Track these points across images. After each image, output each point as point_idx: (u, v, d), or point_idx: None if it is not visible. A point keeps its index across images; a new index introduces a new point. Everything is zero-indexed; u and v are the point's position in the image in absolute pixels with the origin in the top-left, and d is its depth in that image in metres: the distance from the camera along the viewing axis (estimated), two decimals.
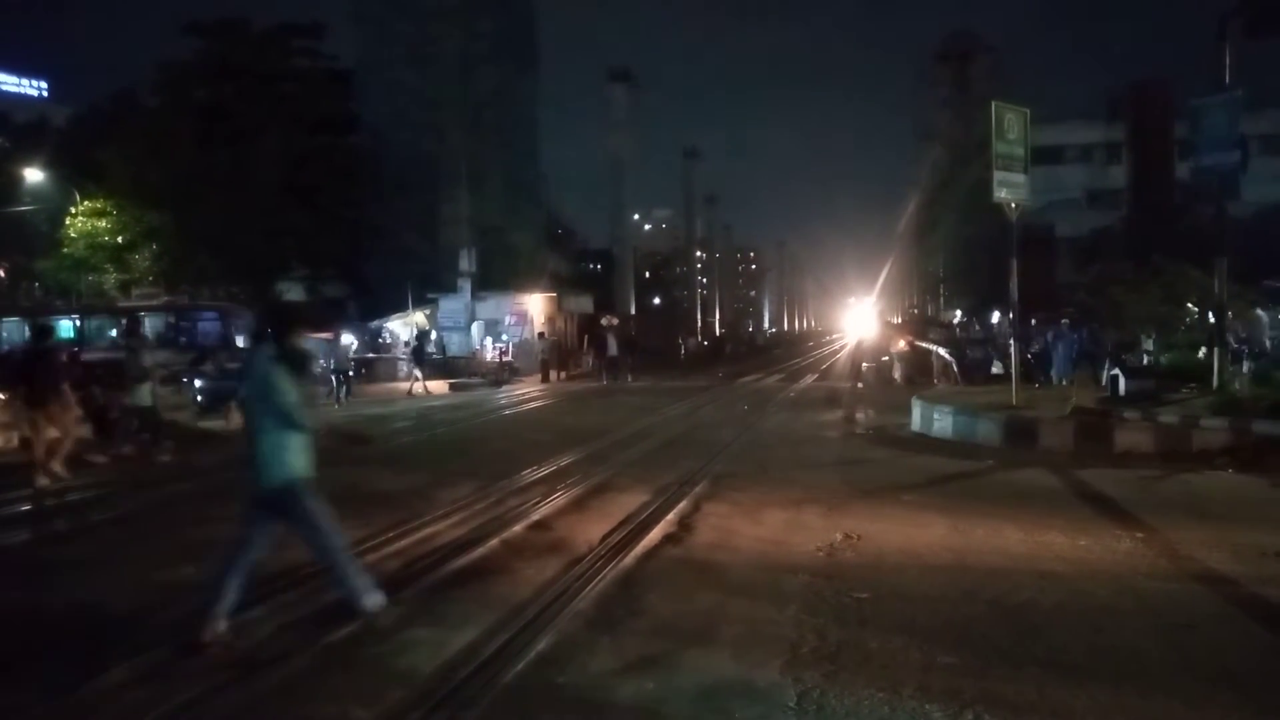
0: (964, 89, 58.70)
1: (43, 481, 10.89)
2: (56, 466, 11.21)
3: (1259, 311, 19.73)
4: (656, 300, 74.80)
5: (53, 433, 11.28)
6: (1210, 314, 15.60)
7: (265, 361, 5.25)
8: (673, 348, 50.05)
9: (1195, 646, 5.04)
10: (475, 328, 38.85)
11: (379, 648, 5.15)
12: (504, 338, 37.03)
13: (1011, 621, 5.43)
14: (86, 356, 19.85)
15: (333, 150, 43.20)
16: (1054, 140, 45.55)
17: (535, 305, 39.50)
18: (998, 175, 14.20)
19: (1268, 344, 19.17)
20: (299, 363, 5.28)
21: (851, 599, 5.86)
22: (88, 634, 5.54)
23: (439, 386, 29.53)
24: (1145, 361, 17.91)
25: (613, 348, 32.24)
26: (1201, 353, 15.11)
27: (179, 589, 6.39)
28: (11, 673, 4.90)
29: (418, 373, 27.30)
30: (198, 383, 19.95)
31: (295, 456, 5.21)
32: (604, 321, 41.42)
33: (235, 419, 12.82)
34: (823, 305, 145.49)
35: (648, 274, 77.22)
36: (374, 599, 5.43)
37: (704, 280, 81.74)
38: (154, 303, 29.46)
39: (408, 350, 31.85)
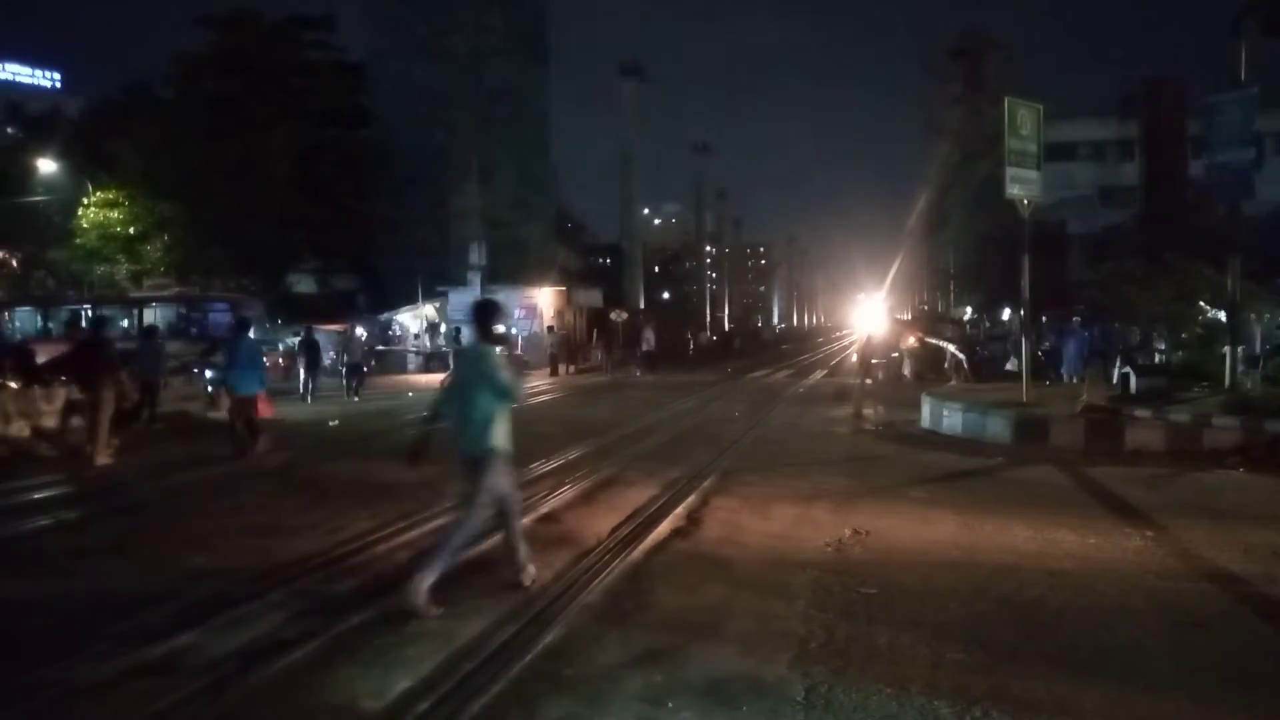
0: (976, 85, 58.36)
1: (103, 461, 11.59)
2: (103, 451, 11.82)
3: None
4: (666, 295, 74.82)
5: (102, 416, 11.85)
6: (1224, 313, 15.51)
7: (479, 350, 6.01)
8: (681, 343, 50.05)
9: (1205, 646, 5.02)
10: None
11: (387, 638, 5.17)
12: (513, 331, 37.08)
13: (1020, 619, 5.42)
14: None
15: (343, 143, 43.29)
16: (1066, 137, 45.28)
17: (545, 299, 39.53)
18: (1010, 171, 14.13)
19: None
20: (500, 345, 6.19)
21: (860, 595, 5.85)
22: (99, 621, 5.57)
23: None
24: (1157, 360, 17.83)
25: (649, 341, 32.39)
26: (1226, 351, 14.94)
27: (190, 578, 6.42)
28: (22, 657, 4.92)
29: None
30: (208, 374, 20.03)
31: (499, 430, 5.87)
32: (613, 316, 41.43)
33: (225, 403, 12.93)
34: (832, 301, 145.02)
35: (657, 269, 77.22)
36: (423, 585, 5.56)
37: (713, 275, 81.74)
38: (165, 293, 29.60)
39: (445, 341, 32.08)
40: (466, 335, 37.42)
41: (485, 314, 6.17)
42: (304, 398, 21.67)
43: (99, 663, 4.80)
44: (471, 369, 6.02)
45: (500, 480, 5.88)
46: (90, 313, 18.32)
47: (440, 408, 6.20)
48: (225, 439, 12.65)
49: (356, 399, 21.58)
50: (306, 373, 22.24)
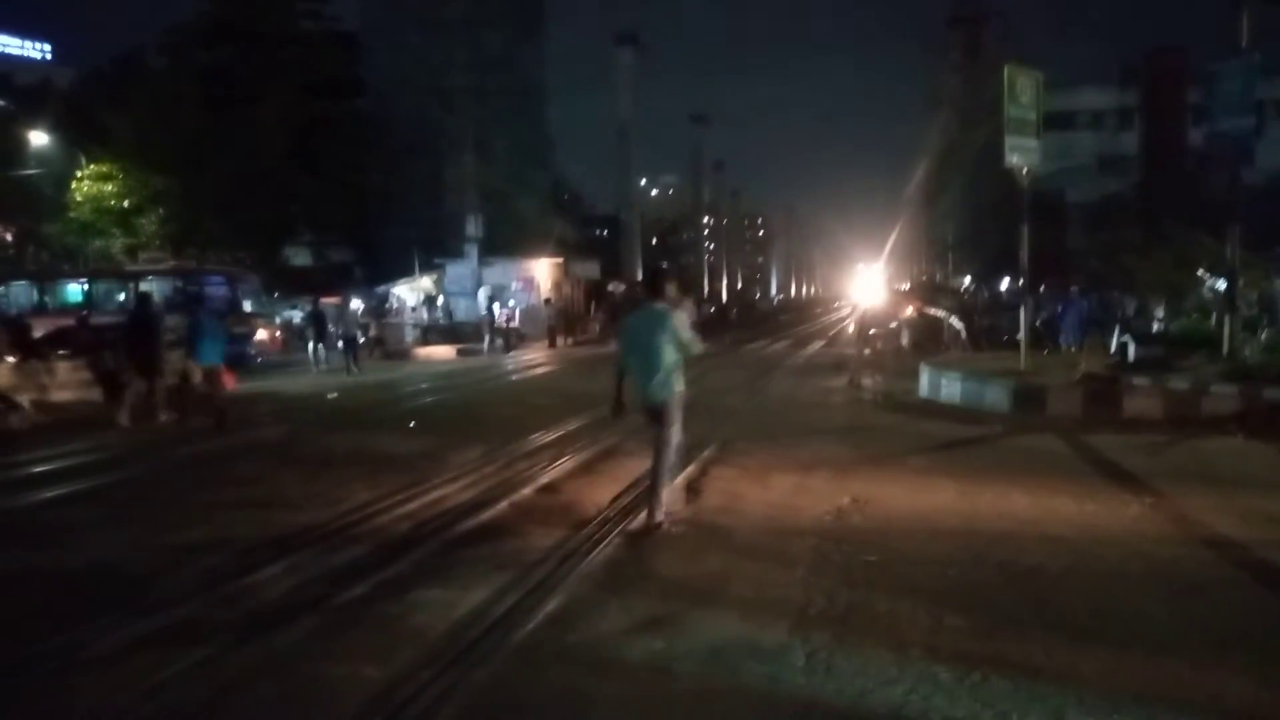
0: (975, 54, 57.96)
1: (164, 417, 13.09)
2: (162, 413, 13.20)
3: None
4: (664, 266, 74.61)
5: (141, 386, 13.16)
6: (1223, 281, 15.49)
7: (656, 310, 6.79)
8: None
9: (1203, 610, 5.05)
10: (481, 293, 38.84)
11: (390, 608, 5.19)
12: (510, 303, 37.02)
13: (1019, 585, 5.45)
14: (95, 321, 19.89)
15: (337, 114, 42.96)
16: (1066, 105, 45.02)
17: (542, 271, 39.43)
18: (1010, 140, 14.03)
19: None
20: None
21: (859, 562, 5.88)
22: (102, 593, 5.60)
23: (446, 352, 29.59)
24: (1155, 328, 17.83)
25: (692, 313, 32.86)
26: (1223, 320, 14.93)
27: (190, 550, 6.44)
28: (25, 629, 4.95)
29: (489, 336, 29.34)
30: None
31: (677, 381, 6.73)
32: (611, 287, 41.36)
33: (197, 374, 13.26)
34: (830, 271, 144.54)
35: (655, 240, 76.90)
36: (660, 515, 6.65)
37: (711, 246, 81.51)
38: (161, 267, 29.45)
39: (485, 313, 32.43)
40: (461, 307, 37.61)
41: (656, 279, 7.33)
42: (316, 368, 22.04)
43: (101, 635, 4.81)
44: (652, 328, 6.73)
45: (677, 422, 6.80)
46: (136, 290, 19.11)
47: (624, 363, 6.97)
48: (216, 411, 12.70)
49: (356, 371, 21.44)
50: (316, 344, 22.64)
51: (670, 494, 6.91)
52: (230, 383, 13.67)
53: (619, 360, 7.09)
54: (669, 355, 6.67)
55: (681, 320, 6.81)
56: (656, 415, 6.73)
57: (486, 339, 29.73)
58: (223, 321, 15.71)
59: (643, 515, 6.73)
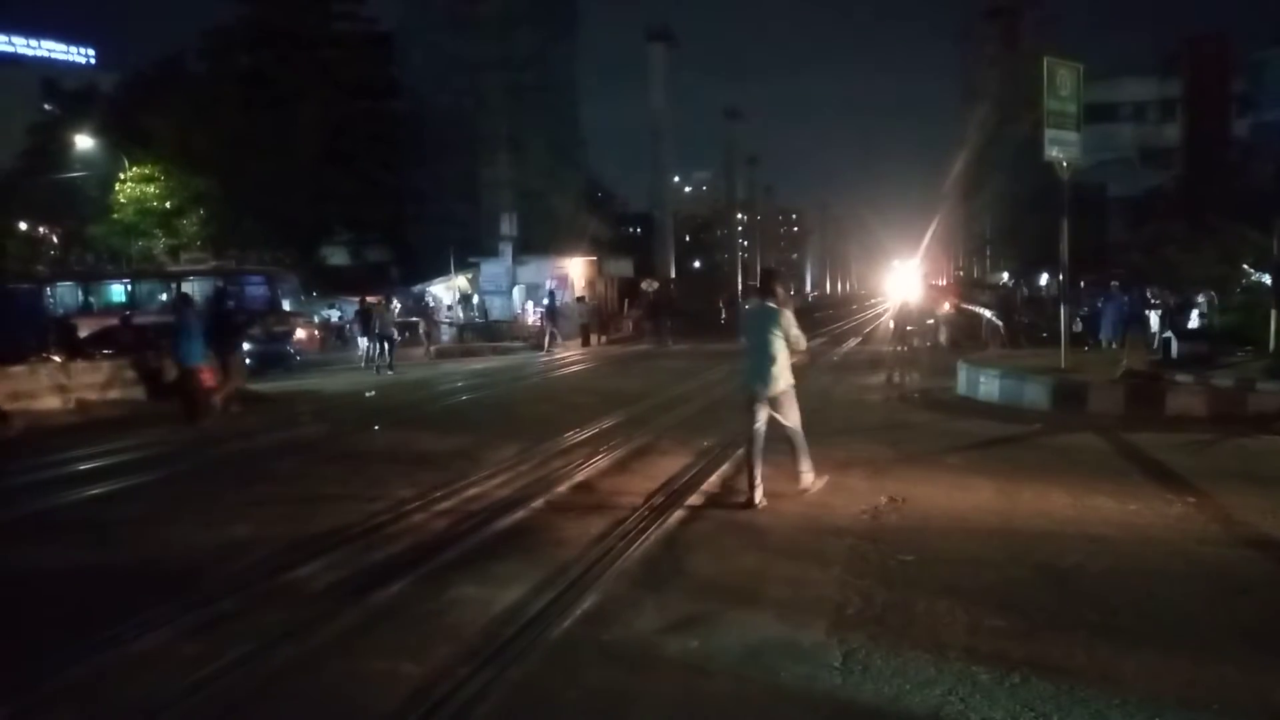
0: (1012, 45, 57.17)
1: (234, 409, 14.08)
2: (232, 405, 14.17)
3: None
4: (697, 264, 74.42)
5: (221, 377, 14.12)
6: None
7: (768, 308, 7.54)
8: (713, 311, 49.86)
9: (1248, 611, 4.96)
10: (516, 292, 39.00)
11: (428, 605, 5.24)
12: (545, 302, 37.15)
13: (1059, 585, 5.38)
14: (138, 320, 20.28)
15: (373, 115, 43.39)
16: (1106, 98, 44.33)
17: (575, 269, 39.51)
18: (1049, 133, 13.83)
19: None
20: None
21: (896, 561, 5.84)
22: (144, 589, 5.70)
23: (481, 350, 29.80)
24: (1199, 324, 17.49)
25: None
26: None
27: (231, 547, 6.55)
28: (76, 624, 5.06)
29: (554, 330, 29.00)
30: (246, 346, 20.29)
31: (787, 372, 7.50)
32: (644, 285, 41.36)
33: (171, 371, 13.90)
34: (865, 267, 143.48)
35: (688, 237, 76.73)
36: (808, 479, 7.73)
37: (745, 243, 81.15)
38: (202, 267, 29.93)
39: (540, 308, 32.52)
40: (496, 306, 37.81)
41: (768, 280, 8.04)
42: (368, 366, 22.16)
43: (146, 630, 4.91)
44: (764, 324, 7.48)
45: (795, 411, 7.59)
46: (218, 289, 20.14)
47: (744, 365, 7.77)
48: (266, 411, 12.88)
49: (390, 372, 21.44)
50: (369, 341, 22.81)
51: (808, 467, 7.80)
52: (210, 380, 14.04)
53: (742, 384, 7.92)
54: (779, 349, 7.40)
55: (789, 318, 7.51)
56: (774, 401, 7.47)
57: (547, 337, 29.24)
58: (241, 319, 16.43)
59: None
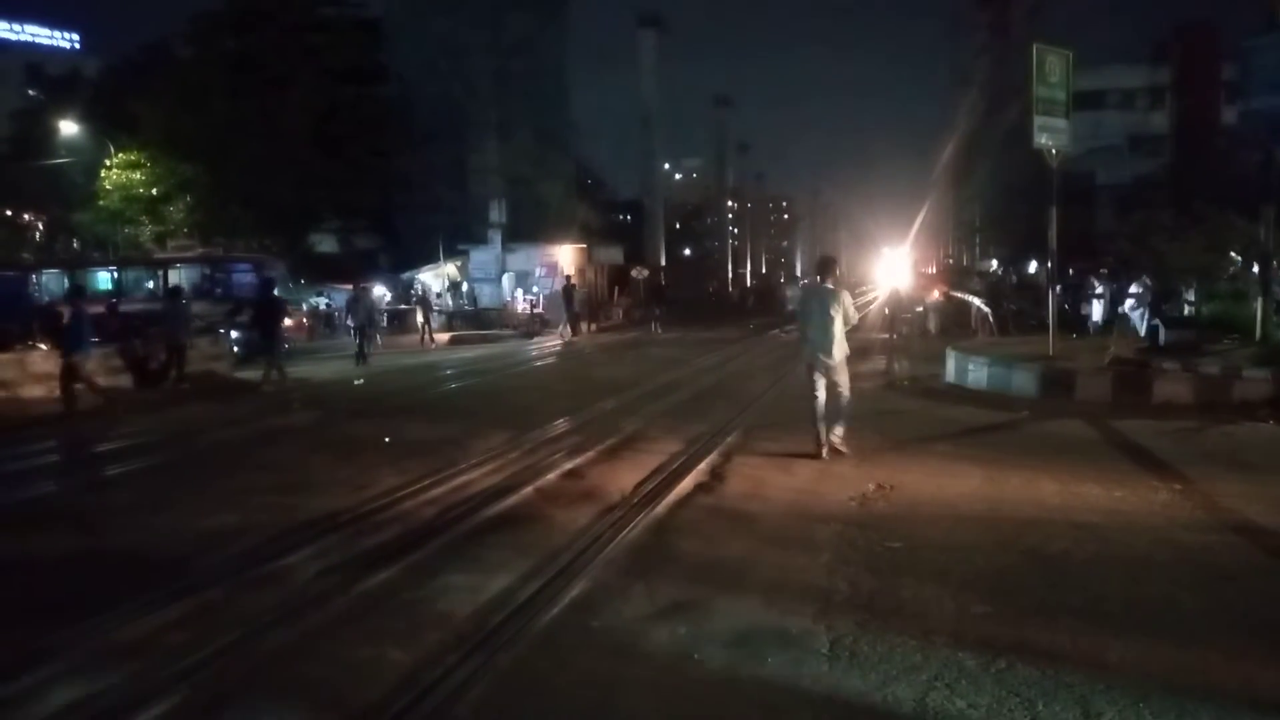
0: (1003, 32, 57.11)
1: (267, 388, 15.48)
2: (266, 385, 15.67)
3: None
4: (687, 251, 74.42)
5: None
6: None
7: (828, 289, 8.80)
8: (703, 299, 49.86)
9: (1234, 598, 4.99)
10: (506, 279, 38.91)
11: (416, 592, 5.24)
12: (534, 289, 37.07)
13: (1046, 572, 5.41)
14: (125, 308, 20.16)
15: (361, 100, 43.03)
16: (1095, 85, 44.23)
17: (565, 256, 39.42)
18: (1038, 120, 13.83)
19: None
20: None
21: (884, 548, 5.86)
22: (133, 577, 5.68)
23: (470, 338, 29.74)
24: (1186, 312, 17.56)
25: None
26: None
27: (221, 534, 6.53)
28: (61, 613, 5.03)
29: (566, 322, 28.19)
30: (234, 334, 20.21)
31: (844, 344, 8.71)
32: (634, 273, 41.31)
33: (90, 366, 13.88)
34: (855, 255, 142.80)
35: (678, 224, 76.67)
36: (840, 436, 8.74)
37: (735, 230, 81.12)
38: (189, 254, 29.74)
39: (560, 297, 31.99)
40: (485, 293, 37.69)
41: (826, 265, 9.26)
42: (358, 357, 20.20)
43: (135, 617, 4.89)
44: (825, 303, 8.68)
45: (841, 385, 8.71)
46: (265, 280, 20.03)
47: (804, 331, 8.88)
48: (250, 398, 12.83)
49: (363, 363, 19.81)
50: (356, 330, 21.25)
51: (846, 434, 8.81)
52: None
53: (800, 327, 9.18)
54: (838, 324, 8.57)
55: (847, 297, 8.75)
56: (831, 370, 8.60)
57: (562, 325, 28.51)
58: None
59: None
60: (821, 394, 8.60)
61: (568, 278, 32.16)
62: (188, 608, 5.07)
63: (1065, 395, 12.21)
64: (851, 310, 8.73)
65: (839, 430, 8.71)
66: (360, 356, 20.10)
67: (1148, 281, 19.76)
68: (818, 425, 8.56)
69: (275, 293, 17.81)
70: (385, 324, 28.09)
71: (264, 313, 16.52)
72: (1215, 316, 15.62)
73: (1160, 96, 46.50)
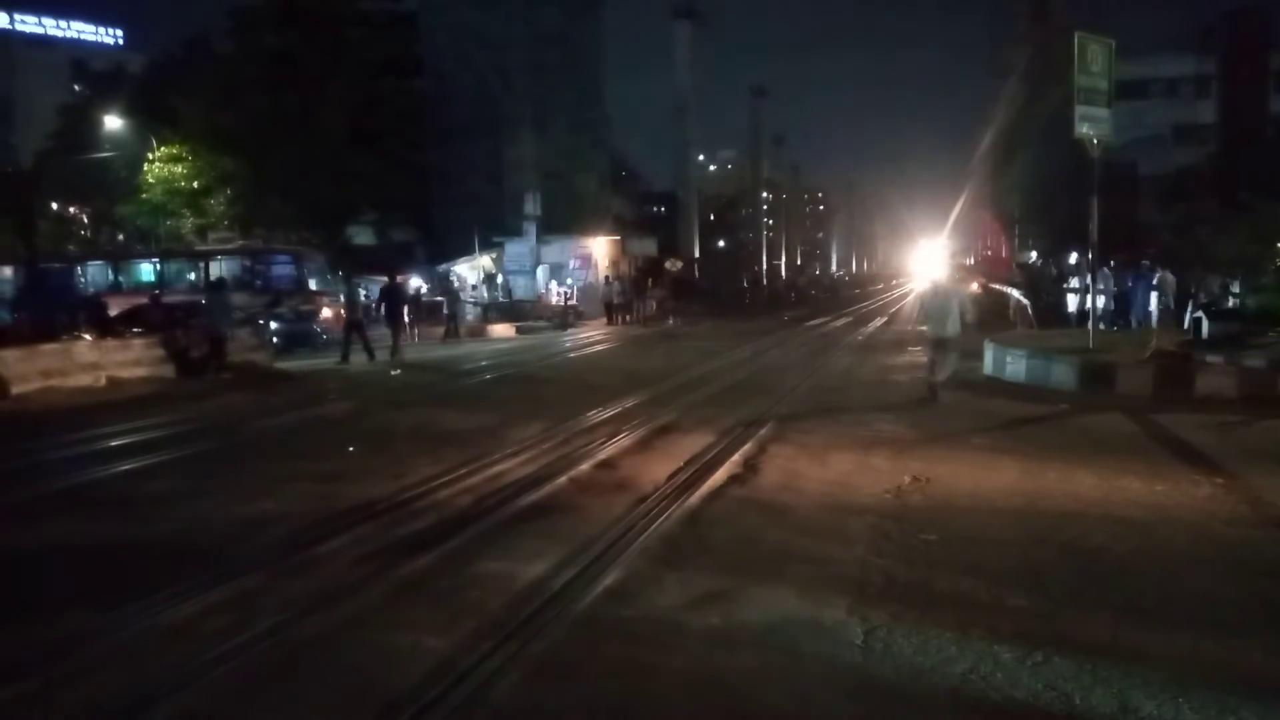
0: (1043, 20, 56.20)
1: (395, 372, 17.19)
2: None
3: None
4: (721, 243, 74.15)
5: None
6: None
7: (959, 289, 12.51)
8: (738, 291, 49.69)
9: (1276, 594, 4.90)
10: (540, 271, 39.04)
11: (452, 580, 5.29)
12: (569, 281, 37.17)
13: (1084, 566, 5.34)
14: (167, 299, 20.50)
15: (398, 94, 43.39)
16: (1138, 74, 43.44)
17: (599, 249, 39.49)
18: (1080, 110, 13.62)
19: None
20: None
21: (919, 541, 5.82)
22: (173, 563, 5.79)
23: (505, 330, 29.91)
24: (1231, 304, 17.21)
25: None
26: None
27: (259, 522, 6.64)
28: (97, 599, 5.15)
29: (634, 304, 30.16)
30: (273, 325, 20.48)
31: (958, 324, 12.01)
32: (668, 265, 41.28)
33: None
34: (891, 246, 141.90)
35: (712, 216, 76.45)
36: (940, 381, 11.83)
37: (770, 222, 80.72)
38: (230, 247, 30.18)
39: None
40: (520, 285, 37.88)
41: (964, 271, 10.87)
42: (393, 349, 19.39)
43: (176, 603, 4.99)
44: (953, 297, 12.24)
45: (953, 351, 12.07)
46: (391, 274, 23.22)
47: (928, 320, 12.30)
48: (292, 388, 12.97)
49: (348, 363, 18.46)
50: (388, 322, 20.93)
51: (942, 385, 11.85)
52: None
53: (926, 318, 12.50)
54: (956, 313, 11.96)
55: (969, 298, 11.10)
56: (945, 345, 11.90)
57: (631, 313, 29.94)
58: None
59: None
60: (937, 356, 11.91)
61: (608, 277, 32.73)
62: (228, 593, 5.16)
63: (1105, 388, 12.03)
64: (969, 306, 12.24)
65: (941, 378, 11.83)
66: (394, 349, 19.51)
67: (1169, 276, 19.43)
68: (934, 377, 11.84)
69: (399, 280, 21.02)
70: (416, 316, 28.17)
71: (388, 300, 20.50)
72: (1261, 308, 15.29)
73: (1205, 85, 45.57)
